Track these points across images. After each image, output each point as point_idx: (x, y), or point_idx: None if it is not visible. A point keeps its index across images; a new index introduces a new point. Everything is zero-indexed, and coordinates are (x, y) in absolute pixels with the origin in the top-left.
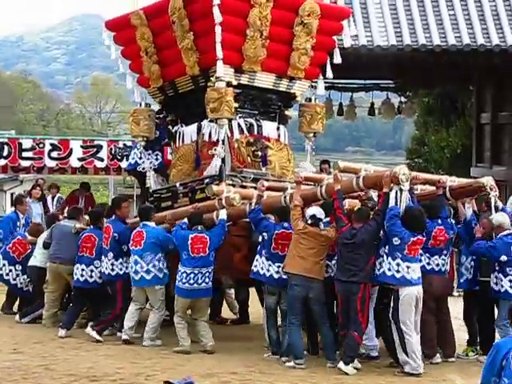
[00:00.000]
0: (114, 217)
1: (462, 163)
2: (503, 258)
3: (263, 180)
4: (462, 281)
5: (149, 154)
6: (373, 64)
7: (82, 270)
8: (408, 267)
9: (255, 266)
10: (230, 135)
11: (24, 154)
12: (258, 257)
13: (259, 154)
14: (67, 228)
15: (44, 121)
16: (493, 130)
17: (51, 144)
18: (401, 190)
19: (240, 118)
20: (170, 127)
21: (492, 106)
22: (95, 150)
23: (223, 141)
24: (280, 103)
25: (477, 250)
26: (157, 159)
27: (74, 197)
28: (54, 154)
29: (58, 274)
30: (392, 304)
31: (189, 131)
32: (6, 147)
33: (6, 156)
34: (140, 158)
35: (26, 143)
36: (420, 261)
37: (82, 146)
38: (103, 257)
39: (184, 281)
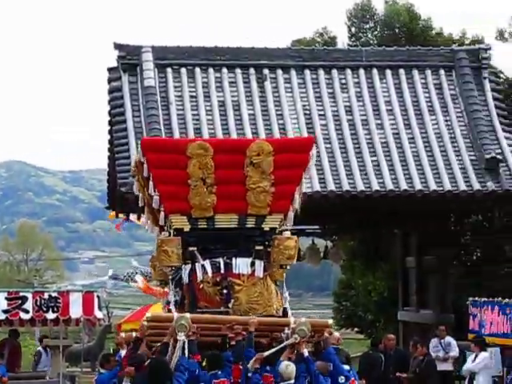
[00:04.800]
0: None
1: (390, 306)
2: None
3: None
4: None
5: None
6: (298, 210)
7: None
8: None
9: None
10: (192, 278)
11: None
12: None
13: (224, 291)
14: None
15: None
16: (418, 273)
17: None
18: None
19: (205, 259)
20: None
21: (417, 249)
22: (20, 301)
23: (175, 285)
24: (253, 239)
25: None
26: None
27: (1, 344)
28: None
29: None
30: None
31: None
32: None
33: None
34: None
35: None
36: None
37: (6, 298)
38: None
39: None
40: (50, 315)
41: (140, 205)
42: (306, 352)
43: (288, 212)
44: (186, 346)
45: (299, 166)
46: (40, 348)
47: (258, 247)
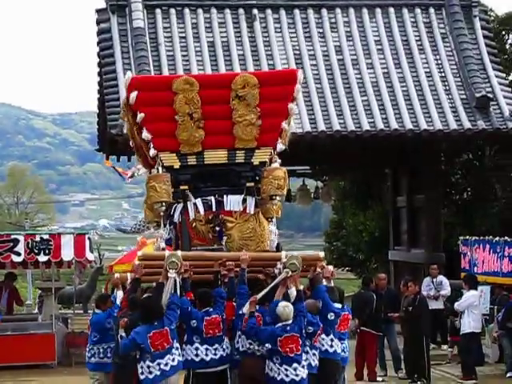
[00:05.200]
0: None
1: (381, 246)
2: (267, 345)
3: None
4: None
5: None
6: (288, 150)
7: None
8: None
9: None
10: (184, 216)
11: None
12: None
13: (217, 229)
14: None
15: None
16: (409, 213)
17: None
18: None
19: (197, 197)
20: None
21: (407, 189)
22: (12, 244)
23: (168, 223)
24: (243, 175)
25: (247, 330)
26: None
27: None
28: None
29: None
30: None
31: None
32: None
33: None
34: None
35: None
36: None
37: None
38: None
39: None
40: (42, 257)
41: (131, 145)
42: (299, 288)
43: (276, 145)
44: (178, 284)
45: (285, 98)
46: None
47: (248, 184)
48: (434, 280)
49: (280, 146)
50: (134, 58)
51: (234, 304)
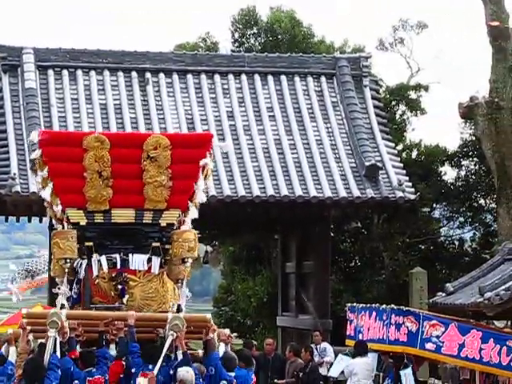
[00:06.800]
0: None
1: (269, 312)
2: None
3: None
4: None
5: None
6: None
7: None
8: None
9: None
10: (88, 273)
11: None
12: None
13: (119, 287)
14: None
15: None
16: (297, 279)
17: None
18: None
19: (101, 254)
20: None
21: (296, 255)
22: None
23: (75, 281)
24: (150, 235)
25: None
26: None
27: None
28: None
29: None
30: None
31: None
32: None
33: None
34: None
35: None
36: None
37: None
38: None
39: None
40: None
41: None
42: (185, 350)
43: (186, 207)
44: (58, 343)
45: (197, 161)
46: None
47: (155, 244)
48: (318, 347)
49: (192, 209)
50: (25, 118)
51: (123, 363)
